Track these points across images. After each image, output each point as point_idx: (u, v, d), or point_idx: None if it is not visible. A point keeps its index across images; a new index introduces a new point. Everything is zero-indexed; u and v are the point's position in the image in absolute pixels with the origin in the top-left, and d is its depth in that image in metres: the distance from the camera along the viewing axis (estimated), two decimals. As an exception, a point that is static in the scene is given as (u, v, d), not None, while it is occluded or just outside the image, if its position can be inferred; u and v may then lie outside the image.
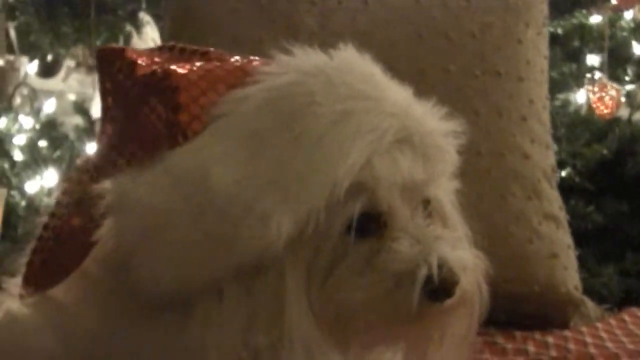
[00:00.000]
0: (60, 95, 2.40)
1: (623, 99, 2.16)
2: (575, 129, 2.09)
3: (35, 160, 2.07)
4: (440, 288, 0.69)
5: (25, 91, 2.34)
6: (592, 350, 1.23)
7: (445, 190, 0.78)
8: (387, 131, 0.70)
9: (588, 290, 1.54)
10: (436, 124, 0.75)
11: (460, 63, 1.44)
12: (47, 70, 2.46)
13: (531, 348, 1.25)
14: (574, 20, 2.26)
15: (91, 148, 2.02)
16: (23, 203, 2.01)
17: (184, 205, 0.68)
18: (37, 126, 2.17)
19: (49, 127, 2.17)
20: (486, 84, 1.44)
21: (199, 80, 0.73)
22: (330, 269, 0.70)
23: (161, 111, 0.72)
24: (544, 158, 1.45)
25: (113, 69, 0.77)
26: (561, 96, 2.17)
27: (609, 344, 1.26)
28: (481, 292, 0.75)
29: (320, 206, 0.68)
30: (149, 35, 2.22)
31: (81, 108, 2.23)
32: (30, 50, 2.38)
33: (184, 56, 0.79)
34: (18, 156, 2.10)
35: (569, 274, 1.40)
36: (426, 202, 0.74)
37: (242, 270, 0.69)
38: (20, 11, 2.30)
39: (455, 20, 1.47)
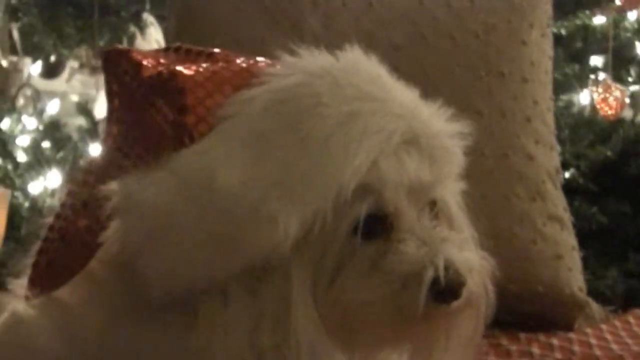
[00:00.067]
0: (63, 96, 2.40)
1: (627, 100, 2.15)
2: (579, 130, 2.08)
3: (38, 161, 2.07)
4: (447, 290, 0.69)
5: (28, 92, 2.34)
6: (597, 352, 1.23)
7: (451, 192, 0.77)
8: (393, 132, 0.70)
9: (592, 292, 1.53)
10: (443, 126, 0.75)
11: (464, 64, 1.44)
12: (51, 71, 2.46)
13: (536, 350, 1.24)
14: (578, 21, 2.25)
15: (94, 149, 2.02)
16: (26, 204, 2.00)
17: (190, 207, 0.68)
18: (41, 127, 2.17)
19: (52, 128, 2.16)
20: (490, 84, 1.43)
21: (205, 81, 0.73)
22: (337, 270, 0.70)
23: (167, 112, 0.72)
24: (548, 159, 1.45)
25: (119, 70, 0.76)
26: (565, 97, 2.16)
27: (614, 346, 1.26)
28: (487, 293, 0.74)
29: (326, 207, 0.68)
30: (153, 36, 2.22)
31: (84, 109, 2.22)
32: (33, 51, 2.38)
33: (189, 57, 0.79)
34: (21, 157, 2.10)
35: (574, 276, 1.40)
36: (432, 204, 0.74)
37: (248, 272, 0.69)
38: (23, 12, 2.30)
39: (459, 21, 1.47)
